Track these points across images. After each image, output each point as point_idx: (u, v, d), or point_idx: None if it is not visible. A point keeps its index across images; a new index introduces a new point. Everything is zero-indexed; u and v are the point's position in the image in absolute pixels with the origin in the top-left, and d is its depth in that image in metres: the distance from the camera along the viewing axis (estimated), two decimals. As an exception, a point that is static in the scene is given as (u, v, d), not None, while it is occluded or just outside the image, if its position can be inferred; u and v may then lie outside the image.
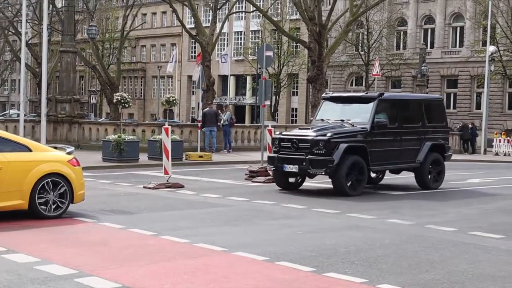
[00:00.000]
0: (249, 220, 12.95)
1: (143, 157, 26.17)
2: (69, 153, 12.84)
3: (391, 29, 65.21)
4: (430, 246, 10.56)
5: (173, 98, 27.08)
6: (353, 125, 17.67)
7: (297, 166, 17.07)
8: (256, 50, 47.96)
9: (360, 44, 64.72)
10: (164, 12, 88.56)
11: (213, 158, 28.42)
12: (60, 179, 12.33)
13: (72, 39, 34.40)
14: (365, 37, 63.55)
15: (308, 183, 19.09)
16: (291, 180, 18.43)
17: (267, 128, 21.57)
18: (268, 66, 24.01)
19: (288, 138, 17.65)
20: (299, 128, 19.88)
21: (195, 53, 77.69)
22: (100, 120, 50.88)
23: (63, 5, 47.09)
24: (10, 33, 60.90)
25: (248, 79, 76.14)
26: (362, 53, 62.66)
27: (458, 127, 48.48)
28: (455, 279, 8.41)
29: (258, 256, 9.41)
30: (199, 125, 31.15)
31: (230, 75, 44.23)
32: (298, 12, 42.88)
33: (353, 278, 8.29)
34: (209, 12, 55.90)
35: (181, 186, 17.84)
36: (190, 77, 78.85)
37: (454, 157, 38.28)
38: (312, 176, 17.98)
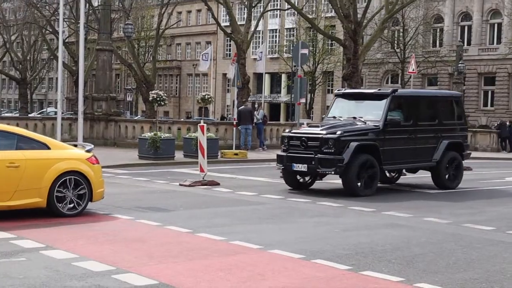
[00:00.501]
0: (285, 218, 12.94)
1: (179, 155, 26.28)
2: (88, 151, 12.77)
3: (427, 26, 64.64)
4: (467, 245, 10.46)
5: (209, 96, 27.12)
6: (365, 123, 17.14)
7: (306, 165, 16.56)
8: (291, 48, 47.93)
9: (395, 42, 64.26)
10: (199, 10, 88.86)
11: (248, 156, 28.45)
12: (78, 177, 12.22)
13: (108, 37, 34.69)
14: (401, 34, 63.09)
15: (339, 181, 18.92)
16: (302, 179, 17.89)
17: (302, 125, 21.55)
18: (303, 64, 24.01)
19: (297, 136, 17.14)
20: (309, 126, 19.41)
21: (230, 51, 77.85)
22: (136, 118, 51.23)
23: (100, 3, 47.47)
24: (47, 31, 61.55)
25: (283, 77, 76.07)
26: (397, 50, 62.22)
27: (495, 125, 47.94)
28: (493, 279, 8.31)
29: (294, 254, 9.40)
30: (235, 123, 31.19)
31: (265, 73, 44.18)
32: (333, 10, 42.72)
33: (390, 277, 8.24)
34: (244, 10, 55.91)
35: (217, 184, 17.89)
36: (225, 75, 79.10)
37: (491, 155, 38.04)
38: (322, 175, 17.43)
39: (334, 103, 18.79)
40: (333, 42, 57.06)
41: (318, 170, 16.42)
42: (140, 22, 72.72)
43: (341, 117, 17.90)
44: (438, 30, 66.67)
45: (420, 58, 57.97)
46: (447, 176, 18.58)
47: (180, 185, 17.83)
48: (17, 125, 31.40)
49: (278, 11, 69.95)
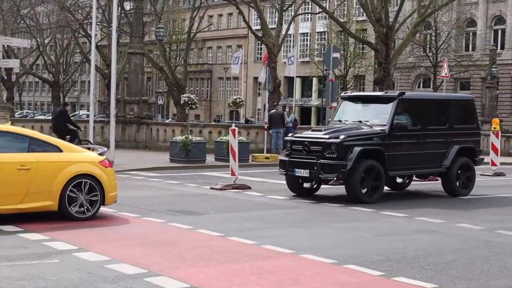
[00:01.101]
0: (316, 222, 12.90)
1: (210, 158, 26.34)
2: (101, 154, 12.62)
3: (460, 30, 64.17)
4: (501, 252, 10.33)
5: (240, 100, 27.18)
6: (371, 127, 16.46)
7: (308, 170, 15.89)
8: (322, 52, 47.83)
9: (428, 45, 63.84)
10: (230, 14, 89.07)
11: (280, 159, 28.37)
12: (90, 180, 12.05)
13: (140, 41, 34.89)
14: (433, 38, 62.66)
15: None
16: (306, 185, 17.24)
17: None
18: (335, 68, 23.94)
19: (299, 140, 16.48)
20: (312, 130, 18.79)
21: (261, 54, 77.88)
22: (167, 121, 51.46)
23: (132, 7, 47.77)
24: (80, 35, 62.07)
25: (314, 80, 75.96)
26: (429, 54, 61.82)
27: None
28: (528, 286, 8.20)
29: (326, 258, 9.35)
30: (266, 127, 31.19)
31: (296, 76, 44.13)
32: (364, 13, 42.56)
33: (423, 283, 8.15)
34: (275, 13, 55.93)
35: (248, 188, 17.88)
36: (256, 78, 79.07)
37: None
38: (326, 181, 16.80)
39: (340, 107, 18.23)
40: (365, 46, 56.90)
41: (320, 176, 15.80)
42: (171, 25, 73.05)
43: (347, 121, 17.33)
44: (470, 34, 66.13)
45: (452, 62, 57.54)
46: (458, 182, 17.84)
47: (211, 188, 17.85)
48: (50, 128, 31.72)
49: (310, 14, 69.81)
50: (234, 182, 17.91)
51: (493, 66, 48.99)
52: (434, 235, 11.74)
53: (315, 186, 17.33)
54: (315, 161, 15.71)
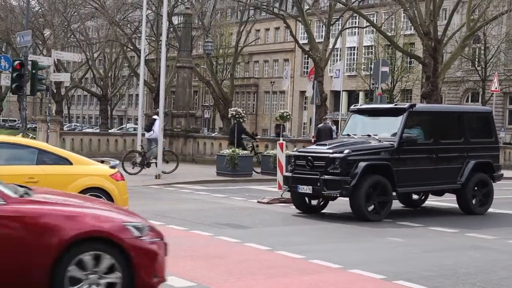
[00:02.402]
0: (365, 237, 12.79)
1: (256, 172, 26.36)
2: (112, 167, 12.23)
3: (510, 44, 63.23)
4: (555, 270, 10.11)
5: (287, 114, 27.14)
6: (380, 141, 15.59)
7: (311, 187, 15.10)
8: (369, 66, 47.62)
9: (476, 59, 63.10)
10: (277, 28, 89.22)
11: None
12: (101, 193, 11.62)
13: (189, 55, 35.19)
14: (482, 52, 61.91)
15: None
16: (313, 202, 16.39)
17: None
18: (383, 82, 23.76)
19: (303, 155, 15.71)
20: (316, 144, 18.09)
21: (307, 68, 77.80)
22: (213, 135, 51.71)
23: (180, 21, 48.23)
24: (128, 49, 62.81)
25: (361, 94, 75.59)
26: (478, 68, 61.08)
27: None
28: None
29: (375, 274, 9.26)
30: (313, 140, 31.07)
31: (343, 90, 43.96)
32: (412, 27, 42.28)
33: (475, 300, 8.02)
34: (322, 27, 55.93)
35: (295, 201, 17.80)
36: (302, 92, 79.07)
37: None
38: (332, 198, 15.93)
39: (349, 120, 17.38)
40: (412, 59, 56.48)
41: (323, 192, 14.99)
42: (219, 39, 73.48)
43: (355, 134, 16.56)
44: (521, 48, 65.12)
45: (502, 76, 56.76)
46: (474, 200, 16.74)
47: (258, 202, 17.83)
48: (99, 141, 32.13)
49: (357, 28, 69.64)
50: (281, 195, 17.85)
51: (544, 80, 48.17)
52: (486, 251, 11.55)
53: (322, 203, 16.49)
54: (318, 177, 14.94)
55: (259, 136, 45.43)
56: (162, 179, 23.41)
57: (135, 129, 48.12)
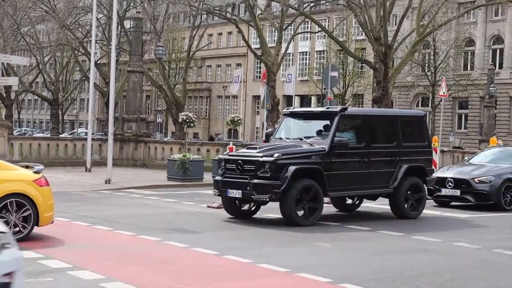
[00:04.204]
0: (313, 241, 12.84)
1: (208, 176, 26.26)
2: (36, 172, 11.80)
3: (459, 50, 64.34)
4: (498, 271, 10.29)
5: (238, 118, 27.20)
6: (311, 145, 15.34)
7: (240, 191, 14.74)
8: (321, 71, 47.93)
9: (426, 65, 64.00)
10: (230, 33, 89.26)
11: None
12: (23, 199, 11.31)
13: (139, 59, 34.96)
14: (432, 57, 62.83)
15: (371, 204, 18.77)
16: (244, 207, 16.08)
17: None
18: (333, 87, 23.89)
19: (233, 159, 15.38)
20: (247, 148, 17.54)
21: (260, 73, 78.03)
22: (165, 139, 51.46)
23: (132, 26, 47.91)
24: (80, 53, 62.21)
25: (313, 99, 76.01)
26: (428, 73, 61.95)
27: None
28: (525, 306, 8.16)
29: (322, 277, 9.31)
30: (263, 145, 31.15)
31: (295, 95, 44.22)
32: (363, 33, 42.70)
33: (419, 303, 8.12)
34: (275, 32, 56.08)
35: (245, 206, 17.79)
36: (255, 97, 79.28)
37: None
38: (262, 203, 15.43)
39: (282, 123, 17.13)
40: (364, 64, 57.00)
41: (253, 197, 14.64)
42: (171, 44, 73.20)
43: (288, 138, 16.31)
44: (469, 53, 66.31)
45: (451, 81, 57.65)
46: (406, 204, 16.56)
47: (208, 207, 17.78)
48: (48, 145, 31.77)
49: (309, 33, 70.02)
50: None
51: (491, 85, 48.99)
52: (431, 254, 11.70)
53: (253, 208, 16.13)
54: (248, 181, 14.58)
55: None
56: (112, 184, 23.22)
57: (86, 133, 47.69)
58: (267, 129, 32.25)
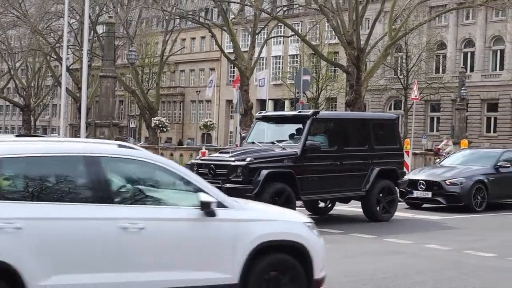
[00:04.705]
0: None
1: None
2: None
3: (430, 53, 64.85)
4: (469, 273, 10.40)
5: (211, 123, 27.25)
6: (283, 148, 15.42)
7: None
8: (295, 75, 48.11)
9: (399, 68, 64.40)
10: (203, 37, 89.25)
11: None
12: None
13: (111, 64, 34.77)
14: (404, 60, 63.23)
15: (344, 207, 18.83)
16: None
17: None
18: (305, 90, 23.99)
19: (205, 163, 15.42)
20: (220, 152, 17.49)
21: (233, 77, 78.13)
22: (138, 144, 51.31)
23: (104, 31, 47.73)
24: (52, 58, 61.86)
25: (287, 103, 76.23)
26: (401, 77, 62.35)
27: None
28: (494, 306, 8.25)
29: (294, 281, 9.31)
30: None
31: (268, 99, 44.39)
32: (336, 37, 42.92)
33: (390, 304, 8.18)
34: (248, 37, 56.18)
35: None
36: (228, 101, 79.32)
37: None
38: None
39: (255, 127, 17.23)
40: (336, 68, 57.26)
41: None
42: (144, 48, 72.99)
43: (260, 142, 16.32)
44: (441, 57, 66.89)
45: (423, 84, 58.08)
46: (378, 207, 16.68)
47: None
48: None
49: (282, 38, 70.22)
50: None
51: (463, 88, 49.31)
52: (403, 256, 11.79)
53: None
54: (220, 185, 14.19)
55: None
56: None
57: (58, 139, 47.26)
58: (242, 134, 32.28)
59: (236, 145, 31.31)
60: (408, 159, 24.18)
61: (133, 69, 53.20)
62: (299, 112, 17.54)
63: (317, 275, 7.64)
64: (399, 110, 63.95)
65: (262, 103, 70.36)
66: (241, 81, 41.34)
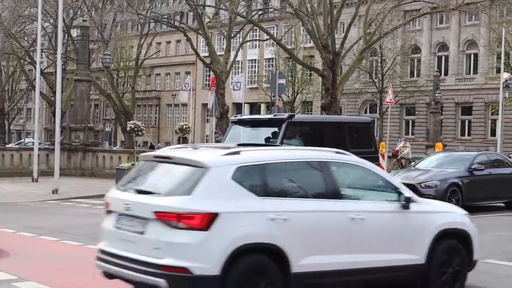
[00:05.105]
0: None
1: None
2: None
3: (405, 57, 65.28)
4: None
5: (187, 126, 27.19)
6: None
7: None
8: (270, 78, 48.18)
9: (374, 72, 64.78)
10: (178, 41, 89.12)
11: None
12: None
13: (86, 67, 34.70)
14: (379, 64, 63.62)
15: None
16: None
17: None
18: (281, 94, 24.02)
19: None
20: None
21: (209, 81, 78.01)
22: (114, 148, 51.11)
23: (78, 34, 47.48)
24: (26, 62, 61.44)
25: (263, 106, 76.27)
26: (376, 80, 62.70)
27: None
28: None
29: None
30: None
31: (244, 103, 44.40)
32: (311, 40, 43.04)
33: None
34: (223, 40, 56.18)
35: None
36: (204, 105, 79.20)
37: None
38: None
39: (230, 131, 17.25)
40: (312, 72, 57.40)
41: None
42: (119, 52, 72.72)
43: None
44: (415, 60, 67.34)
45: (398, 88, 58.45)
46: None
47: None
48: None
49: (257, 41, 70.31)
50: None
51: (437, 92, 49.82)
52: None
53: None
54: None
55: None
56: (59, 194, 22.94)
57: (33, 143, 47.10)
58: (216, 138, 32.19)
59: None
60: (383, 162, 24.26)
61: (108, 72, 52.97)
62: (275, 115, 17.51)
63: (475, 257, 9.13)
64: (375, 114, 64.30)
65: (238, 107, 70.41)
66: (216, 84, 41.24)
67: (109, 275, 7.90)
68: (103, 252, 7.88)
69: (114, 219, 7.99)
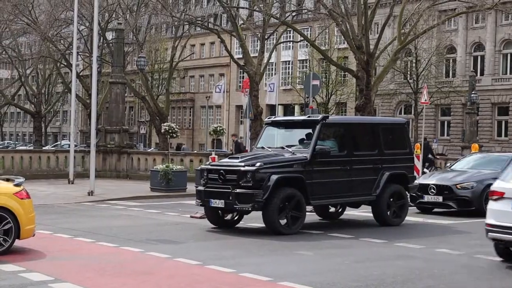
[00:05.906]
0: (296, 250, 12.84)
1: (191, 187, 26.18)
2: (17, 185, 11.76)
3: (440, 57, 64.67)
4: (480, 277, 10.36)
5: (220, 128, 27.20)
6: (293, 153, 15.37)
7: (223, 201, 14.74)
8: (304, 79, 48.08)
9: (408, 72, 64.28)
10: (212, 43, 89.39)
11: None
12: (4, 213, 11.28)
13: (121, 70, 34.93)
14: (414, 65, 63.12)
15: (354, 212, 18.81)
16: (227, 216, 16.08)
17: None
18: (314, 95, 23.93)
19: (215, 169, 15.37)
20: (229, 158, 17.43)
21: (243, 83, 78.08)
22: (148, 150, 51.39)
23: (113, 37, 47.87)
24: (62, 65, 62.07)
25: (296, 108, 76.19)
26: (410, 81, 62.23)
27: None
28: (505, 311, 8.26)
29: (305, 286, 9.33)
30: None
31: (278, 104, 44.37)
32: (345, 41, 42.88)
33: (400, 309, 8.18)
34: (257, 42, 56.21)
35: (228, 216, 17.78)
36: (238, 106, 79.35)
37: None
38: (245, 212, 15.50)
39: (264, 132, 17.09)
40: (346, 73, 57.16)
41: (235, 206, 14.63)
42: (153, 55, 73.20)
43: (270, 147, 16.27)
44: (451, 61, 66.67)
45: (433, 88, 57.94)
46: (389, 212, 16.65)
47: (191, 217, 17.77)
48: (30, 158, 31.65)
49: (291, 43, 70.21)
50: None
51: (473, 92, 49.35)
52: (413, 260, 11.73)
53: (236, 217, 16.18)
54: (230, 190, 14.57)
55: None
56: (95, 196, 23.14)
57: (69, 145, 47.56)
58: (234, 140, 30.90)
59: (246, 150, 31.10)
60: (418, 164, 24.08)
61: (143, 75, 53.28)
62: (309, 117, 17.45)
63: None
64: (409, 115, 63.77)
65: (271, 108, 70.37)
66: (250, 86, 41.29)
67: (503, 243, 11.31)
68: (497, 226, 11.12)
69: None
